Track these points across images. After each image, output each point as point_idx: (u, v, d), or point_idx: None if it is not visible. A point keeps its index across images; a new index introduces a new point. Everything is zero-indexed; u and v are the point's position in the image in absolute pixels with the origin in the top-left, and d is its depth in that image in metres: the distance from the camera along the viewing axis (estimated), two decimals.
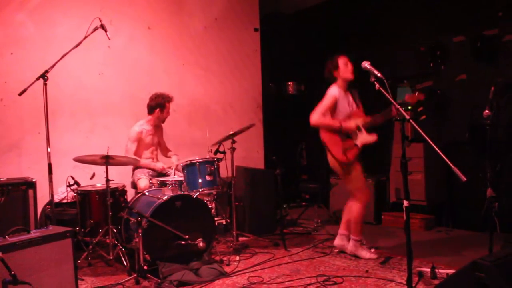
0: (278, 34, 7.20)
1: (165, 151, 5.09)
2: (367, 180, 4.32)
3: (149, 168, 4.70)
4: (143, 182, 4.50)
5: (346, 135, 4.01)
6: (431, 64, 5.69)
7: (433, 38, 5.67)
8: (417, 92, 3.84)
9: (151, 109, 4.78)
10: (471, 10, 5.27)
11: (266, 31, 6.74)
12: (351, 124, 4.00)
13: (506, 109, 4.43)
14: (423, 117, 5.50)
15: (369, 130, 4.05)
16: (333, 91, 4.05)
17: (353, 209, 4.13)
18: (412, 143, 5.34)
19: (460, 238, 4.81)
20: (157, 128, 4.91)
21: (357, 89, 4.22)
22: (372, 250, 4.34)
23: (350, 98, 4.15)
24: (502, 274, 2.24)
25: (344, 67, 4.06)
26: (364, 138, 4.03)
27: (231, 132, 4.47)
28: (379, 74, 2.81)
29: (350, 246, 4.17)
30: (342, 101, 4.06)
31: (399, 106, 2.70)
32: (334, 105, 4.02)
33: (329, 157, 4.11)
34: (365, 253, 4.10)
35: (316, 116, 3.98)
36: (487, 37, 5.14)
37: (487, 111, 3.43)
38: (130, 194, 4.66)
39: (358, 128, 4.02)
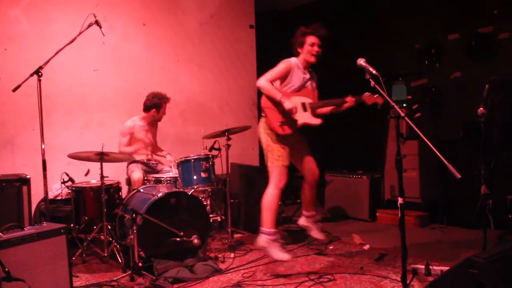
0: (274, 31, 7.20)
1: (156, 150, 5.07)
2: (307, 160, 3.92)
3: (140, 160, 4.71)
4: (136, 175, 4.49)
5: (283, 110, 3.62)
6: (426, 62, 5.71)
7: (428, 36, 5.68)
8: (376, 95, 3.64)
9: (147, 108, 4.77)
10: (466, 8, 5.29)
11: (262, 28, 6.73)
12: (292, 101, 3.62)
13: (500, 107, 4.45)
14: (418, 114, 5.52)
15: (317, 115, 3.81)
16: (291, 60, 3.76)
17: (267, 194, 3.72)
18: (407, 141, 5.35)
19: (455, 235, 4.83)
20: (152, 125, 4.90)
21: (318, 74, 3.97)
22: (367, 246, 4.36)
23: (307, 75, 3.84)
24: (496, 271, 2.25)
25: (310, 48, 3.75)
26: (307, 118, 3.72)
27: (225, 129, 4.46)
28: (374, 71, 2.82)
29: (260, 241, 3.70)
30: (296, 74, 3.75)
31: (394, 104, 2.70)
32: (286, 75, 3.72)
33: (261, 127, 3.78)
34: (276, 253, 3.65)
35: (263, 81, 3.63)
36: (482, 35, 5.16)
37: (481, 108, 3.45)
38: (125, 191, 4.66)
39: (304, 107, 3.73)
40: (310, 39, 3.76)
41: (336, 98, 3.86)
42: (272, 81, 3.68)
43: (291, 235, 4.80)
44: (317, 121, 3.75)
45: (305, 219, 4.16)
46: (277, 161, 3.70)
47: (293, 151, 3.82)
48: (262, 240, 3.69)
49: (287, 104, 3.58)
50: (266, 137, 3.75)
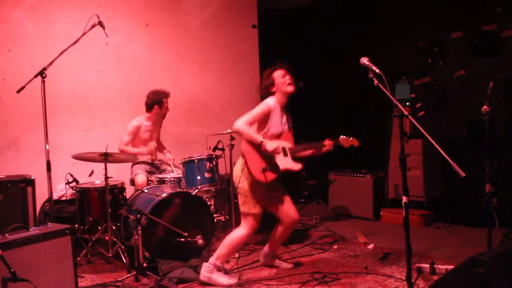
0: (276, 31, 7.19)
1: (161, 149, 5.08)
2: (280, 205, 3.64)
3: (141, 154, 4.72)
4: (140, 178, 4.50)
5: (266, 155, 3.45)
6: (429, 60, 5.69)
7: (431, 34, 5.66)
8: (352, 138, 3.57)
9: (149, 107, 4.77)
10: (469, 6, 5.27)
11: (264, 28, 6.73)
12: (273, 144, 3.43)
13: (504, 105, 4.43)
14: (422, 113, 5.51)
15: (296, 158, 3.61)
16: (269, 101, 3.52)
17: (237, 234, 3.53)
18: (411, 139, 5.34)
19: (459, 234, 4.82)
20: (156, 125, 4.90)
21: (291, 114, 3.72)
22: (371, 246, 4.35)
23: (285, 118, 3.63)
24: (501, 270, 2.24)
25: (282, 80, 3.54)
26: (288, 163, 3.51)
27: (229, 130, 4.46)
28: (377, 70, 2.81)
29: (203, 272, 3.47)
30: (276, 115, 3.53)
31: (397, 102, 2.69)
32: (266, 117, 3.49)
33: (238, 168, 3.55)
34: (224, 280, 3.44)
35: (241, 123, 3.43)
36: (486, 33, 5.14)
37: (485, 106, 3.43)
38: (129, 191, 4.66)
39: (284, 151, 3.52)
40: (277, 73, 3.57)
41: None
42: (250, 124, 3.47)
43: (294, 235, 4.79)
44: (298, 166, 3.56)
45: (265, 256, 3.87)
46: (254, 208, 3.48)
47: (270, 194, 3.59)
48: (206, 271, 3.47)
49: (270, 146, 3.40)
50: (245, 182, 3.49)
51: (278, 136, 3.55)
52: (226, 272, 3.69)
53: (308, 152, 3.67)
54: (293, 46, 7.15)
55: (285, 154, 3.54)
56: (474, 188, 4.46)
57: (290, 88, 3.56)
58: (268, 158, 3.45)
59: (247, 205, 3.48)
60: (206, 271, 3.46)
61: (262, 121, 3.51)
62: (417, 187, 5.38)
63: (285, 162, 3.51)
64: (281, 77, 3.56)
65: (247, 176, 3.48)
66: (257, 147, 3.44)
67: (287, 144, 3.58)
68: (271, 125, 3.52)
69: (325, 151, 3.63)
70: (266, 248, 3.86)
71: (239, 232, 3.52)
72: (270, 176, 3.45)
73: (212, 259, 3.50)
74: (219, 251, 3.52)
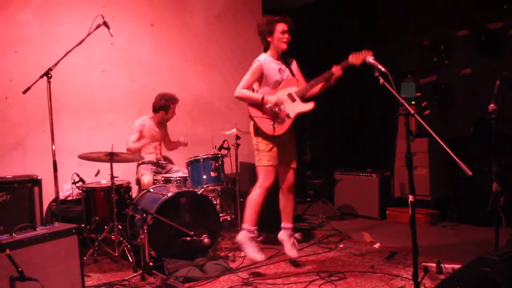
0: None
1: (172, 145, 5.12)
2: (287, 167, 3.79)
3: (149, 161, 4.74)
4: (146, 178, 4.51)
5: (271, 110, 3.59)
6: (435, 59, 5.66)
7: (437, 32, 5.64)
8: (362, 51, 3.35)
9: (155, 110, 4.80)
10: (475, 4, 5.24)
11: None
12: (273, 98, 3.57)
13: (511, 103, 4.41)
14: (428, 111, 5.49)
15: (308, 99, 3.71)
16: (259, 58, 3.68)
17: (253, 192, 3.70)
18: (417, 138, 5.32)
19: (466, 233, 4.80)
20: (161, 125, 4.92)
21: (294, 57, 3.87)
22: (378, 245, 4.34)
23: (283, 65, 3.75)
24: (509, 268, 2.23)
25: (280, 36, 3.66)
26: (298, 107, 3.64)
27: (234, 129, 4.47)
28: (383, 69, 2.80)
29: (239, 236, 3.69)
30: (269, 67, 3.67)
31: (404, 101, 2.68)
32: (259, 75, 3.66)
33: (251, 129, 3.75)
34: (251, 252, 3.60)
35: (238, 89, 3.65)
36: (492, 31, 5.11)
37: (492, 105, 3.40)
38: (135, 191, 4.69)
39: (291, 97, 3.65)
40: (280, 26, 3.67)
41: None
42: (247, 88, 3.66)
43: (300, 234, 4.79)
44: (309, 106, 3.65)
45: (281, 232, 3.92)
46: (263, 161, 3.65)
47: (281, 154, 3.73)
48: (241, 235, 3.67)
49: (271, 99, 3.56)
50: (255, 138, 3.70)
51: (279, 85, 3.68)
52: (235, 270, 3.70)
53: (318, 87, 3.70)
54: (297, 46, 7.14)
55: (293, 100, 3.66)
56: (481, 187, 4.44)
57: (284, 46, 3.68)
58: (275, 111, 3.58)
59: (257, 158, 3.68)
60: (242, 235, 3.66)
61: (260, 79, 3.68)
62: (423, 186, 5.35)
63: (295, 107, 3.64)
64: (280, 31, 3.66)
65: (260, 135, 3.66)
66: (261, 105, 3.58)
67: (293, 89, 3.68)
68: (267, 78, 3.67)
69: (337, 78, 3.60)
70: (282, 223, 3.93)
71: (254, 191, 3.68)
72: (281, 128, 3.61)
73: (243, 224, 3.68)
74: (245, 214, 3.68)
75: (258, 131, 3.67)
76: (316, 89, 3.73)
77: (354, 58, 3.41)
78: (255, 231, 3.68)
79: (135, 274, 3.62)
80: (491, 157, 3.61)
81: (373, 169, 5.85)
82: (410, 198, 2.58)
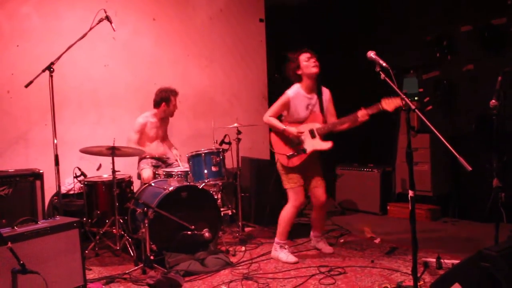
0: (283, 25, 7.16)
1: (168, 146, 5.08)
2: (315, 186, 3.95)
3: (152, 156, 4.73)
4: (146, 173, 4.53)
5: (292, 140, 3.83)
6: (438, 54, 5.64)
7: (440, 27, 5.62)
8: (393, 97, 3.39)
9: (156, 104, 4.79)
10: None
11: (272, 22, 6.71)
12: (294, 129, 3.76)
13: None
14: (430, 107, 5.47)
15: (327, 137, 3.86)
16: (289, 91, 3.84)
17: (284, 210, 3.94)
18: (418, 134, 5.31)
19: (466, 229, 4.80)
20: (163, 121, 4.91)
21: (330, 89, 3.99)
22: (378, 240, 4.36)
23: (313, 101, 3.87)
24: (508, 264, 2.23)
25: (306, 63, 3.78)
26: (316, 144, 3.81)
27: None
28: (384, 64, 2.79)
29: (273, 249, 3.98)
30: (297, 103, 3.83)
31: (404, 96, 2.68)
32: (287, 106, 3.84)
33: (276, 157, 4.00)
34: (284, 257, 3.86)
35: (266, 115, 3.88)
36: (495, 27, 5.08)
37: (493, 100, 3.39)
38: (136, 185, 4.70)
39: (311, 133, 3.81)
40: (303, 56, 3.81)
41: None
42: (274, 116, 3.88)
43: (301, 229, 4.80)
44: (326, 146, 3.81)
45: (313, 240, 4.22)
46: (290, 184, 3.87)
47: (305, 174, 3.91)
48: (274, 248, 3.96)
49: (291, 130, 3.76)
50: (279, 164, 3.95)
51: (302, 121, 3.85)
52: (236, 264, 3.73)
53: (345, 125, 3.82)
54: (300, 40, 7.12)
55: (313, 136, 3.83)
56: (482, 183, 4.43)
57: (314, 70, 3.77)
58: (294, 142, 3.83)
59: (284, 182, 3.91)
60: (274, 249, 3.95)
61: (286, 109, 3.88)
62: (424, 181, 5.36)
63: (313, 144, 3.81)
64: (305, 60, 3.79)
65: (278, 162, 3.94)
66: (282, 134, 3.83)
67: (316, 125, 3.83)
68: (293, 112, 3.85)
69: (363, 121, 3.69)
70: (311, 232, 4.21)
71: (286, 208, 3.92)
72: (297, 160, 3.80)
73: (275, 239, 3.96)
74: (277, 230, 3.95)
75: (276, 158, 3.97)
76: (343, 126, 3.83)
77: (387, 105, 3.44)
78: (285, 244, 3.96)
79: (136, 267, 3.64)
80: (492, 153, 3.60)
81: (375, 165, 5.86)
82: (410, 193, 2.58)
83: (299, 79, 3.86)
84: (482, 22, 5.18)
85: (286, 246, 3.94)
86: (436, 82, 5.64)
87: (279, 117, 3.94)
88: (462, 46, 5.41)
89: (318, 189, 3.94)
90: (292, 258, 3.83)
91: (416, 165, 5.30)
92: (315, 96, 3.88)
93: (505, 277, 2.20)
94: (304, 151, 3.79)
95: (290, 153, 3.81)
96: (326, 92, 3.98)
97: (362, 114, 3.63)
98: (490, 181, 3.58)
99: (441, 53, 5.61)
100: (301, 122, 3.86)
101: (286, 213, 3.90)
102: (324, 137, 3.85)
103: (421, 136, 5.32)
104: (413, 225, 2.58)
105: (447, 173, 5.37)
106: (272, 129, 3.94)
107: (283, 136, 3.86)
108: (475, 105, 5.13)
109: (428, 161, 5.37)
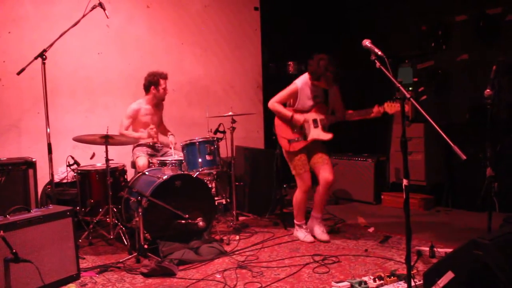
0: (278, 14, 7.12)
1: (164, 132, 5.06)
2: (322, 165, 4.03)
3: (141, 138, 4.68)
4: (141, 160, 4.50)
5: (296, 126, 4.01)
6: (433, 44, 5.64)
7: (435, 17, 5.60)
8: (395, 102, 3.65)
9: (146, 89, 4.75)
10: None
11: (267, 10, 6.66)
12: (302, 117, 3.96)
13: (507, 89, 4.40)
14: (424, 97, 5.48)
15: (330, 128, 4.01)
16: (298, 81, 4.02)
17: (294, 195, 4.16)
18: (413, 123, 5.33)
19: (459, 218, 4.83)
20: (157, 108, 4.87)
21: (339, 85, 4.07)
22: (372, 229, 4.38)
23: (320, 92, 4.04)
24: (501, 252, 2.25)
25: (325, 71, 3.83)
26: (317, 134, 3.98)
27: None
28: (379, 52, 2.77)
29: (294, 230, 4.22)
30: (304, 92, 3.99)
31: (399, 85, 2.66)
32: (295, 95, 4.01)
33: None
34: (301, 234, 4.11)
35: (272, 102, 4.06)
36: (490, 16, 5.08)
37: (488, 90, 3.39)
38: (130, 174, 4.68)
39: (315, 122, 3.98)
40: (322, 62, 3.83)
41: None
42: (280, 103, 4.05)
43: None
44: (327, 137, 3.98)
45: (311, 220, 4.21)
46: (295, 170, 4.06)
47: (310, 155, 4.07)
48: (295, 228, 4.20)
49: (298, 117, 3.96)
50: (284, 151, 4.14)
51: (307, 111, 4.01)
52: (230, 253, 3.74)
53: (355, 118, 4.00)
54: (295, 29, 7.09)
55: (316, 126, 4.00)
56: (476, 172, 4.46)
57: (331, 77, 3.84)
58: (299, 129, 4.01)
59: (291, 168, 4.11)
60: (295, 229, 4.20)
61: (293, 98, 4.04)
62: (418, 171, 5.38)
63: (314, 133, 3.99)
64: (324, 68, 3.82)
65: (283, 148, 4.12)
66: (288, 121, 4.01)
67: (320, 116, 4.00)
68: (299, 101, 4.01)
69: (373, 117, 3.89)
70: (312, 212, 4.22)
71: (296, 194, 4.14)
72: (298, 145, 4.00)
73: (294, 221, 4.19)
74: (294, 213, 4.19)
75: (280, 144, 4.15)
76: (354, 118, 4.00)
77: (389, 108, 3.73)
78: (304, 224, 4.16)
79: (130, 256, 3.64)
80: (486, 143, 3.61)
81: (369, 154, 5.87)
82: (404, 182, 2.58)
83: (316, 78, 3.88)
84: (477, 12, 5.17)
85: (304, 226, 4.14)
86: (431, 72, 5.64)
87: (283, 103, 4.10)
88: (457, 36, 5.41)
89: (326, 167, 4.04)
90: (309, 238, 4.05)
91: (410, 154, 5.31)
92: (319, 88, 4.01)
93: (498, 265, 2.22)
94: (305, 138, 3.98)
95: (291, 138, 4.01)
96: (335, 88, 4.08)
97: (377, 111, 3.82)
98: (484, 170, 3.60)
99: (436, 43, 5.60)
100: (305, 111, 4.01)
101: (296, 198, 4.13)
102: (327, 128, 4.00)
103: (415, 126, 5.33)
104: (407, 214, 2.58)
105: (441, 163, 5.39)
106: (277, 115, 4.08)
107: (287, 122, 4.03)
108: (469, 95, 5.14)
109: (422, 150, 5.38)
